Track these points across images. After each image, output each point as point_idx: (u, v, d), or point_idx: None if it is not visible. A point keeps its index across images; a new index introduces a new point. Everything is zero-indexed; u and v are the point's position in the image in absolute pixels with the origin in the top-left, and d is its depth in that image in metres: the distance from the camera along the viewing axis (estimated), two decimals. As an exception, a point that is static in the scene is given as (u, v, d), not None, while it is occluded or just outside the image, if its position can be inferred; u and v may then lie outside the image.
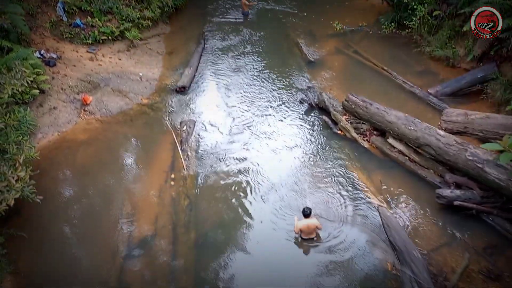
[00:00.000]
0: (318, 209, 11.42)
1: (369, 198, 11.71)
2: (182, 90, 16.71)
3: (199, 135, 14.50)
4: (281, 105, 15.81)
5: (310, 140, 14.09)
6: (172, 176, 12.79)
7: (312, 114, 15.16)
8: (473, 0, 14.63)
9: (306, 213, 10.41)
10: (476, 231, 10.51)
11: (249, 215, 11.53)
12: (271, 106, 15.77)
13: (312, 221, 10.43)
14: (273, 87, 16.86)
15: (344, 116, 14.20)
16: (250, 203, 11.90)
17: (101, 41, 18.56)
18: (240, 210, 11.71)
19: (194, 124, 14.83)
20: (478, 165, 10.38)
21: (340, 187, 12.15)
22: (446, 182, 11.38)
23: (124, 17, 19.18)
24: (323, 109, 15.04)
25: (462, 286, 9.17)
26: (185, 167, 12.96)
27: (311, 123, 14.79)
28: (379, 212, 10.97)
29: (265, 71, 17.94)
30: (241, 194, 12.19)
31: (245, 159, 13.41)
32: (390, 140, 12.94)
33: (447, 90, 15.00)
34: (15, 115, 12.26)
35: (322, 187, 12.22)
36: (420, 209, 11.31)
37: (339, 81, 16.95)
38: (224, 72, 18.09)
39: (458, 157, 10.93)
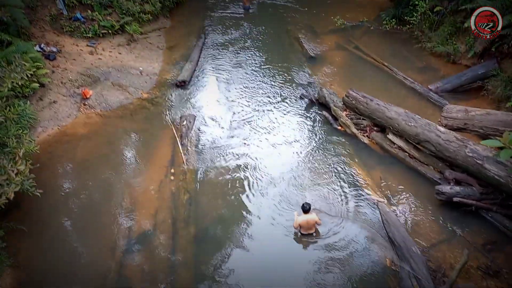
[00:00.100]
0: (318, 204, 11.44)
1: (368, 194, 11.71)
2: (183, 85, 16.70)
3: (199, 129, 14.49)
4: (281, 100, 15.80)
5: (310, 135, 14.09)
6: (172, 170, 12.79)
7: (313, 110, 15.16)
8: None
9: (306, 209, 10.43)
10: (475, 228, 10.52)
11: (249, 210, 11.54)
12: (271, 101, 15.76)
13: (311, 217, 10.45)
14: (274, 82, 16.84)
15: (345, 112, 14.19)
16: (250, 198, 11.91)
17: (101, 35, 18.52)
18: (239, 205, 11.72)
19: (194, 118, 14.82)
20: (478, 161, 10.39)
21: (340, 182, 12.16)
22: (445, 179, 11.39)
23: (124, 11, 19.13)
24: (323, 105, 15.04)
25: (460, 282, 9.17)
26: (185, 162, 12.96)
27: (312, 119, 14.79)
28: (379, 208, 10.97)
29: (265, 66, 17.92)
30: (241, 189, 12.20)
31: (245, 154, 13.40)
32: (390, 136, 12.94)
33: (447, 86, 14.99)
34: (15, 108, 12.25)
35: (322, 183, 12.23)
36: (419, 205, 11.32)
37: (340, 77, 16.93)
38: (225, 67, 18.07)
39: (458, 153, 10.94)
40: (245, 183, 12.37)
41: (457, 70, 15.68)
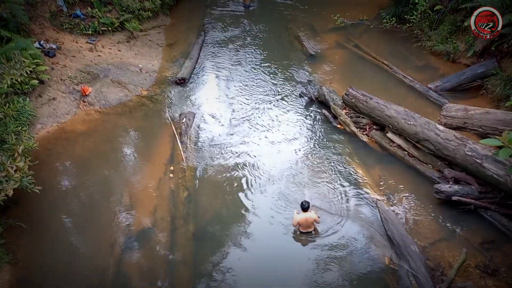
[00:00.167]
0: (317, 202, 11.46)
1: (367, 192, 11.71)
2: (182, 82, 16.69)
3: (198, 127, 14.50)
4: (281, 98, 15.81)
5: (310, 133, 14.09)
6: (171, 168, 12.80)
7: (312, 108, 15.16)
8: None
9: (304, 207, 10.42)
10: (474, 226, 10.52)
11: (248, 208, 11.55)
12: (271, 99, 15.76)
13: (310, 215, 10.45)
14: (273, 80, 16.84)
15: (344, 110, 14.18)
16: (249, 195, 11.92)
17: (101, 32, 18.52)
18: (239, 202, 11.73)
19: (194, 116, 14.82)
20: (477, 160, 10.39)
21: (339, 181, 12.16)
22: (444, 177, 11.39)
23: (124, 8, 19.10)
24: (323, 103, 15.04)
25: (459, 281, 9.18)
26: (184, 159, 12.97)
27: (311, 117, 14.79)
28: (378, 206, 10.97)
29: (265, 64, 17.92)
30: (240, 186, 12.21)
31: (245, 151, 13.41)
32: (390, 135, 12.94)
33: (447, 85, 14.98)
34: (14, 105, 12.25)
35: (321, 181, 12.23)
36: (418, 203, 11.32)
37: (340, 75, 16.93)
38: (224, 64, 18.07)
39: (457, 152, 10.94)
40: (244, 181, 12.38)
41: (456, 69, 15.68)
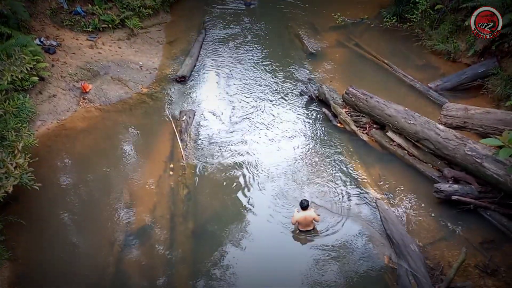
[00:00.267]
0: (317, 200, 11.46)
1: (367, 191, 11.71)
2: (182, 80, 16.69)
3: (198, 125, 14.50)
4: (281, 96, 15.80)
5: (310, 132, 14.10)
6: (171, 165, 12.80)
7: (312, 106, 15.16)
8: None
9: (304, 205, 10.42)
10: (474, 226, 10.52)
11: (247, 206, 11.56)
12: (271, 97, 15.76)
13: (309, 214, 10.44)
14: (274, 78, 16.84)
15: (344, 109, 14.18)
16: (249, 193, 11.92)
17: (101, 29, 18.51)
18: (238, 200, 11.73)
19: (194, 114, 14.82)
20: (477, 160, 10.39)
21: (339, 179, 12.16)
22: (444, 177, 11.38)
23: (124, 5, 19.10)
24: (323, 102, 15.03)
25: (458, 281, 9.18)
26: (184, 157, 12.96)
27: (311, 115, 14.79)
28: (377, 205, 10.96)
29: (265, 62, 17.91)
30: (240, 184, 12.21)
31: (244, 149, 13.41)
32: (390, 134, 12.94)
33: (447, 84, 14.97)
34: (14, 102, 12.25)
35: (321, 179, 12.23)
36: (418, 203, 11.32)
37: (340, 74, 16.92)
38: (225, 62, 18.07)
39: (457, 151, 10.94)
40: (244, 179, 12.38)
41: (457, 68, 15.66)
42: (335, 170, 12.49)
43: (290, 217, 10.76)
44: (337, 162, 12.75)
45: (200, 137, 14.01)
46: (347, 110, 14.17)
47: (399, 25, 18.63)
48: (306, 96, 15.53)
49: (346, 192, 11.75)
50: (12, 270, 10.07)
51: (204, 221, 11.26)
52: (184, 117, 14.35)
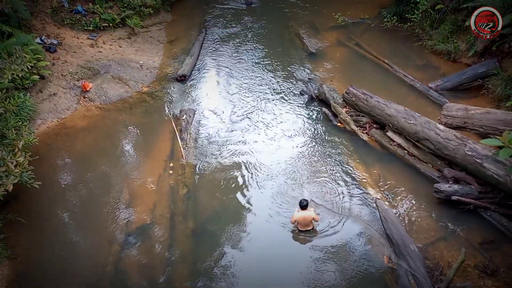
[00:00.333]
0: (316, 200, 11.46)
1: (367, 191, 11.71)
2: (183, 79, 16.70)
3: (198, 124, 14.50)
4: (281, 95, 15.81)
5: (310, 131, 14.10)
6: (171, 164, 12.80)
7: (312, 106, 15.15)
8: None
9: (303, 205, 10.41)
10: (473, 226, 10.51)
11: (247, 206, 11.55)
12: (271, 97, 15.77)
13: (308, 213, 10.43)
14: (274, 78, 16.85)
15: (344, 109, 14.18)
16: (248, 193, 11.91)
17: (102, 28, 18.55)
18: (238, 200, 11.72)
19: (194, 113, 14.82)
20: (477, 160, 10.38)
21: (338, 179, 12.15)
22: (444, 177, 11.38)
23: (125, 4, 19.15)
24: (323, 101, 15.03)
25: (458, 281, 9.18)
26: (184, 156, 12.96)
27: (311, 115, 14.79)
28: (377, 205, 10.94)
29: (266, 61, 17.92)
30: (240, 183, 12.21)
31: (244, 148, 13.41)
32: (390, 134, 12.94)
33: (448, 84, 14.97)
34: (15, 100, 12.24)
35: (320, 179, 12.22)
36: (417, 203, 11.31)
37: (340, 74, 16.92)
38: (225, 61, 18.08)
39: (457, 152, 10.93)
40: (244, 178, 12.38)
41: (457, 68, 15.66)
42: (335, 169, 12.48)
43: (289, 217, 10.76)
44: (337, 161, 12.75)
45: (200, 136, 14.01)
46: (347, 109, 14.17)
47: (399, 25, 18.65)
48: (306, 96, 15.54)
49: (345, 191, 11.74)
50: (12, 269, 10.07)
51: (204, 220, 11.26)
52: (184, 116, 14.35)
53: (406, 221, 10.78)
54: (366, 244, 10.40)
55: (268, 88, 16.27)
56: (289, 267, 10.05)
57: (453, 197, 10.66)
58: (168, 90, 16.25)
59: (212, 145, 13.61)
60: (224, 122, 14.63)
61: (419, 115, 12.24)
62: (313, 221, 10.54)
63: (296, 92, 15.88)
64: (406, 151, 12.53)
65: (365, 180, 12.02)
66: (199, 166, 12.79)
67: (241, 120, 14.63)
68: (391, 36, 18.50)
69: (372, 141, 13.34)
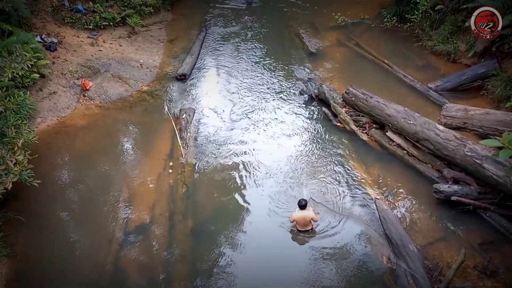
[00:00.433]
0: (316, 199, 11.47)
1: (366, 191, 11.71)
2: (183, 78, 16.71)
3: (198, 123, 14.50)
4: (281, 95, 15.82)
5: (309, 131, 14.10)
6: (171, 163, 12.79)
7: (312, 106, 15.16)
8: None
9: (302, 205, 10.41)
10: (473, 227, 10.51)
11: (246, 205, 11.54)
12: (271, 96, 15.77)
13: (307, 213, 10.43)
14: (274, 77, 16.86)
15: (344, 108, 14.19)
16: (248, 192, 11.91)
17: (102, 27, 18.55)
18: (237, 199, 11.72)
19: (194, 112, 14.82)
20: (477, 161, 10.39)
21: (338, 179, 12.15)
22: (444, 177, 11.38)
23: (126, 3, 19.15)
24: (323, 101, 15.03)
25: (457, 282, 9.18)
26: (183, 155, 12.96)
27: (311, 115, 14.79)
28: (376, 205, 10.95)
29: (266, 61, 17.93)
30: (239, 182, 12.21)
31: (244, 148, 13.41)
32: (389, 134, 12.95)
33: (447, 85, 14.98)
34: (15, 98, 12.26)
35: (320, 178, 12.22)
36: (417, 203, 11.32)
37: (340, 73, 16.94)
38: (225, 61, 18.09)
39: (456, 152, 10.94)
40: (243, 177, 12.38)
41: (457, 69, 15.69)
42: (334, 169, 12.48)
43: (288, 216, 10.76)
44: (336, 161, 12.75)
45: (200, 135, 14.02)
46: (347, 109, 14.18)
47: (399, 25, 18.68)
48: (306, 95, 15.55)
49: (345, 191, 11.74)
50: (11, 267, 10.05)
51: (203, 219, 11.25)
52: (184, 115, 14.35)
53: (406, 221, 10.79)
54: (365, 244, 10.40)
55: (268, 87, 16.28)
56: (288, 266, 10.04)
57: (453, 198, 10.67)
58: (168, 89, 16.25)
59: (212, 144, 13.61)
60: (224, 121, 14.62)
61: (418, 115, 12.25)
62: (312, 221, 10.54)
63: (295, 92, 15.89)
64: (406, 151, 12.54)
65: (364, 180, 12.02)
66: (198, 165, 12.79)
67: (240, 119, 14.62)
68: (391, 36, 18.52)
69: (372, 141, 13.35)
